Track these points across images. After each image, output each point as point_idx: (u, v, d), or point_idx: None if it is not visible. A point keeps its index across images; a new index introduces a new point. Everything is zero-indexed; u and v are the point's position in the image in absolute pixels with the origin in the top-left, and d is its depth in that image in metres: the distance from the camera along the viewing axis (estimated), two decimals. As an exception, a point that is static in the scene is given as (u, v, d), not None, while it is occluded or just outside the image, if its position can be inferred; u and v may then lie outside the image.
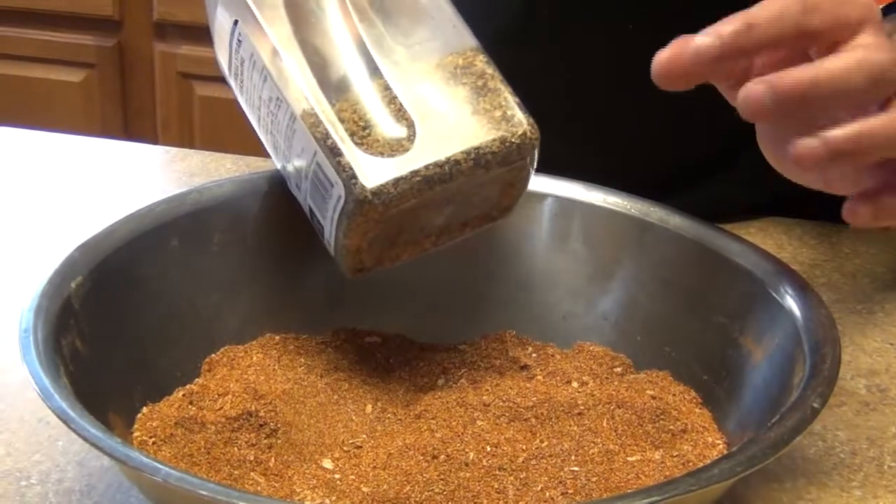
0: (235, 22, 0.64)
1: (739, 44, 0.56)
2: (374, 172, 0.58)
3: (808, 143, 0.55)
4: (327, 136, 0.59)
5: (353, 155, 0.58)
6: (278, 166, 0.66)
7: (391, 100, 0.59)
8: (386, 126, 0.59)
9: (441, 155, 0.58)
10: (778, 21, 0.56)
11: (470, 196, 0.61)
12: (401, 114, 0.59)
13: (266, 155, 0.68)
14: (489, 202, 0.63)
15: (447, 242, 0.64)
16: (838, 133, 0.55)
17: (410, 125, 0.59)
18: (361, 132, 0.58)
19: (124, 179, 0.95)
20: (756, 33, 0.55)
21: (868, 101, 0.57)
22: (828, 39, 0.57)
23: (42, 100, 2.06)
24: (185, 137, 2.02)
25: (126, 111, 2.07)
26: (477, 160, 0.59)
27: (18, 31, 2.05)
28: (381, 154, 0.58)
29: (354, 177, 0.58)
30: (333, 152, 0.59)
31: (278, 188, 0.70)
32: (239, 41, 0.64)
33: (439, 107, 0.59)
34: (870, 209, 0.59)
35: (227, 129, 1.96)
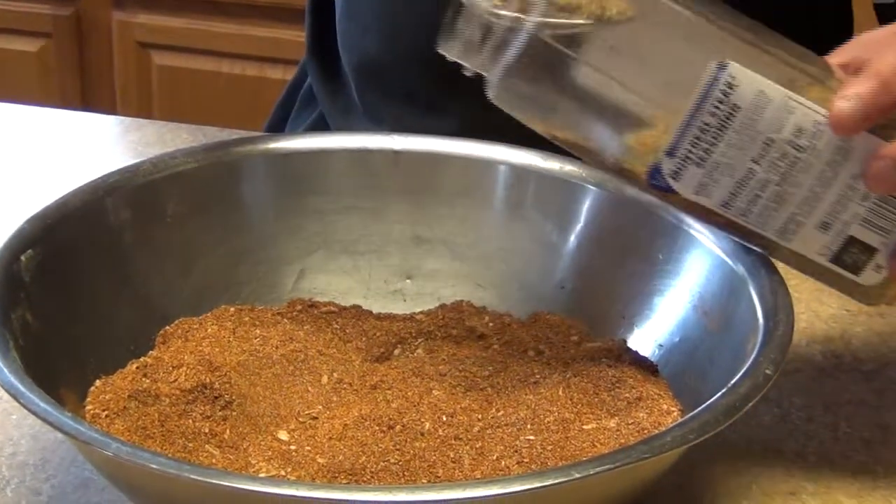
0: (721, 66, 0.55)
1: (880, 103, 0.55)
2: None
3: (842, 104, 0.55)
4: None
5: None
6: (775, 224, 0.59)
7: None
8: None
9: None
10: None
11: None
12: None
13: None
14: None
15: None
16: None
17: None
18: None
19: (79, 150, 0.94)
20: (892, 89, 0.55)
21: None
22: None
23: (-2, 70, 2.04)
24: (143, 107, 2.00)
25: (84, 81, 2.04)
26: None
27: (-28, 1, 2.02)
28: None
29: None
30: None
31: (233, 159, 0.70)
32: (729, 86, 0.55)
33: None
34: None
35: (185, 99, 1.95)
